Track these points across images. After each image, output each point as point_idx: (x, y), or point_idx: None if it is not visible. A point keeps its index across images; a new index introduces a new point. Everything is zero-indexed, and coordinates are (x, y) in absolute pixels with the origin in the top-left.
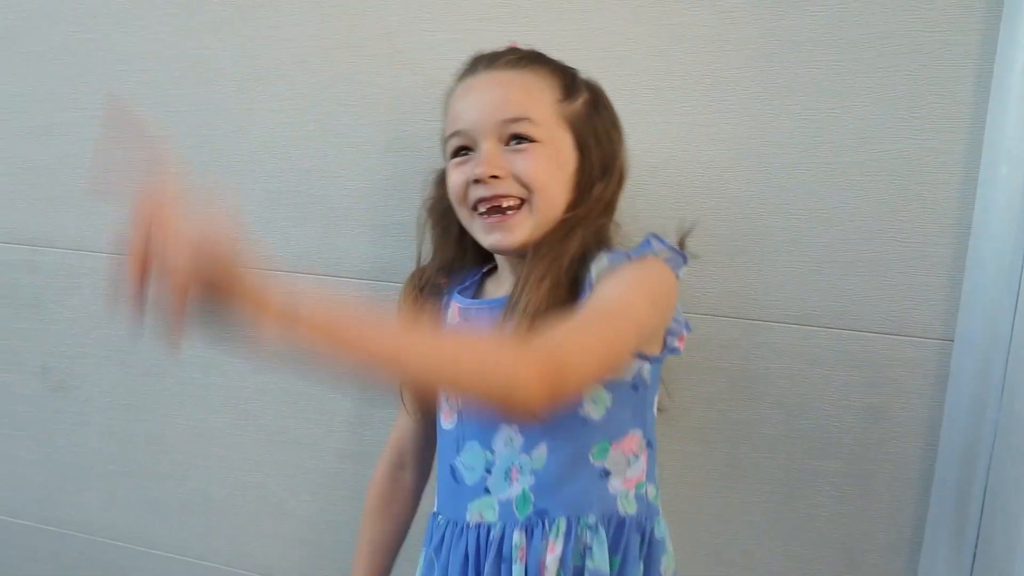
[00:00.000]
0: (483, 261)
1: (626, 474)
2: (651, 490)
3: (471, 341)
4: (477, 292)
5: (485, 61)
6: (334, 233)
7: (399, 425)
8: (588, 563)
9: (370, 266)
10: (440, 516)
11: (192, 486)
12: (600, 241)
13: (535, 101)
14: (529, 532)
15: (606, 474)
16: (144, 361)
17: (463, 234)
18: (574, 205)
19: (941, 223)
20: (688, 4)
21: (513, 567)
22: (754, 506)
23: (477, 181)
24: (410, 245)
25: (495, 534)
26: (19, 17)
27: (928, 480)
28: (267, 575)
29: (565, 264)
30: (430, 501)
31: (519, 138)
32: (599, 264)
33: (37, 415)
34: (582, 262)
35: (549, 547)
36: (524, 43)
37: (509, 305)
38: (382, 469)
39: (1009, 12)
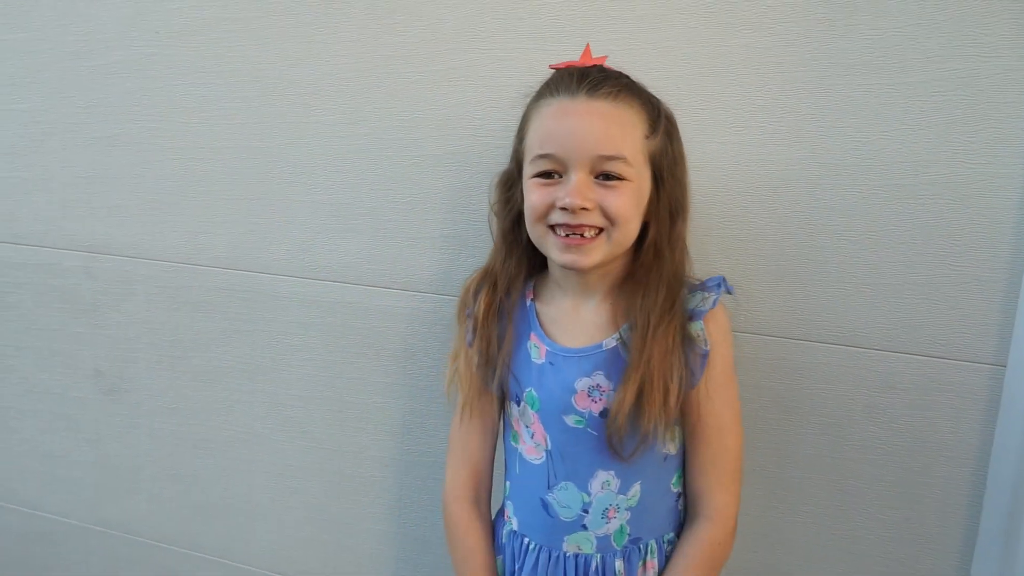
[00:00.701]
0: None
1: (683, 490)
2: None
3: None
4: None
5: (586, 86)
6: (383, 245)
7: (473, 460)
8: None
9: (418, 278)
10: (528, 539)
11: (237, 491)
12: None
13: (629, 139)
14: (627, 558)
15: (679, 496)
16: (194, 367)
17: (526, 243)
18: (642, 230)
19: (995, 247)
20: (742, 26)
21: None
22: (797, 527)
23: (564, 208)
24: (458, 257)
25: (596, 564)
26: (85, 33)
27: (977, 507)
28: None
29: (680, 327)
30: None
31: (609, 174)
32: (698, 326)
33: (90, 418)
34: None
35: (648, 565)
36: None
37: (629, 367)
38: (467, 511)
39: None
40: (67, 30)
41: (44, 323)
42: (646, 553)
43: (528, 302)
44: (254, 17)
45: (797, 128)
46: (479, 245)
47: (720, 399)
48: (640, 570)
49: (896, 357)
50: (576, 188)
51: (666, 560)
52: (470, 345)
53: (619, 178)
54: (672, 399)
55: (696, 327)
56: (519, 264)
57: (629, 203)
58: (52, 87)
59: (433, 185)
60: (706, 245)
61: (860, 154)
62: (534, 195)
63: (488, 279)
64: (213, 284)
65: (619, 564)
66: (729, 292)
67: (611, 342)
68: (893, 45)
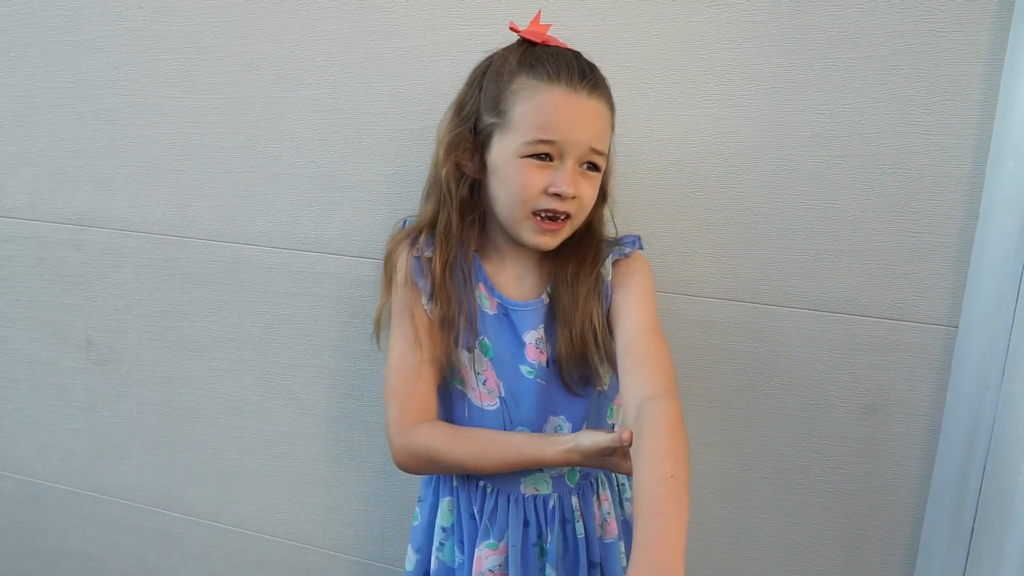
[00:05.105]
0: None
1: (618, 421)
2: None
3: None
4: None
5: (587, 85)
6: (366, 217)
7: (424, 399)
8: (626, 494)
9: None
10: (484, 483)
11: (227, 456)
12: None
13: (609, 136)
14: (582, 495)
15: (613, 428)
16: (182, 337)
17: (483, 211)
18: None
19: (949, 215)
20: (710, 4)
21: (575, 526)
22: (764, 482)
23: (557, 194)
24: None
25: (553, 503)
26: (70, 8)
27: (930, 459)
28: (298, 542)
29: (597, 275)
30: None
31: (594, 164)
32: (608, 263)
33: (81, 387)
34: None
35: (602, 498)
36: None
37: (562, 317)
38: (431, 423)
39: (1019, 14)
40: (51, 4)
41: (35, 295)
42: (598, 487)
43: (473, 254)
44: None
45: (763, 102)
46: None
47: (643, 309)
48: (596, 505)
49: (858, 320)
50: (571, 177)
51: (617, 489)
52: (428, 305)
53: (597, 169)
54: (600, 334)
55: (606, 266)
56: (472, 226)
57: (595, 192)
58: (37, 62)
59: (414, 159)
60: (678, 214)
61: (823, 126)
62: (528, 176)
63: (441, 239)
64: (201, 256)
65: (575, 501)
66: (640, 248)
67: (545, 298)
68: (854, 21)
